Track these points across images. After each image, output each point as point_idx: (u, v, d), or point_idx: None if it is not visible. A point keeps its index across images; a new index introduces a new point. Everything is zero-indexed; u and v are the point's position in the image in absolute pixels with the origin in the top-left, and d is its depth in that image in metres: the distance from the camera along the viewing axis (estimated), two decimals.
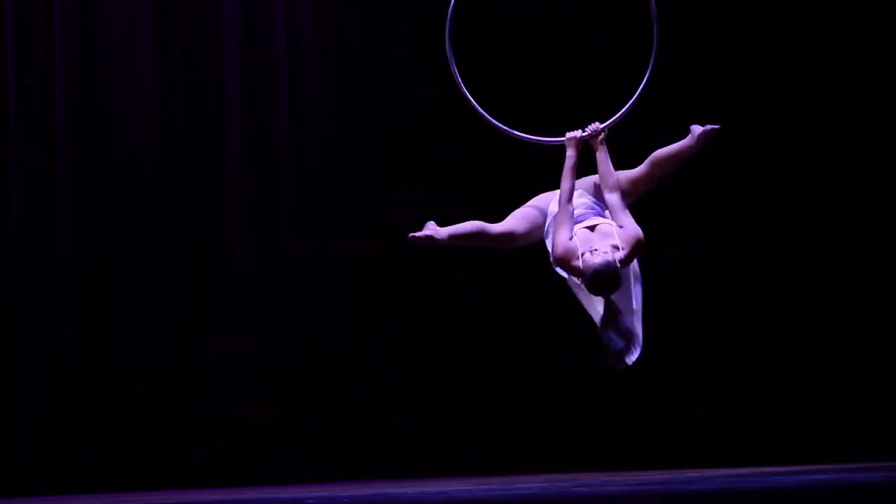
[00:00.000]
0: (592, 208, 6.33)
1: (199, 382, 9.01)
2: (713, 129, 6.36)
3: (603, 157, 6.38)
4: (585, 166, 6.44)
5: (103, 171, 8.86)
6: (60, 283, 8.65)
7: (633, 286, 6.20)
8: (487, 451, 9.85)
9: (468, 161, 9.82)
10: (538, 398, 9.94)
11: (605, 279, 6.00)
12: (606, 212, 6.31)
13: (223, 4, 9.21)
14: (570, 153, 6.35)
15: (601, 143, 6.40)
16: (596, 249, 6.05)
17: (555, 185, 6.37)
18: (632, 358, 6.06)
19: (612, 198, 6.28)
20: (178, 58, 9.09)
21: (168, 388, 8.95)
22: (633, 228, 6.16)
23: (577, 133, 6.42)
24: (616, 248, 6.09)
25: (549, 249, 6.28)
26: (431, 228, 6.45)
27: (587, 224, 6.21)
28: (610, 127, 6.44)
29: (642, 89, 6.50)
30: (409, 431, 9.68)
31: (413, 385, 9.76)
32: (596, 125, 6.44)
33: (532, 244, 6.53)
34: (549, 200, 6.46)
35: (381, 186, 9.60)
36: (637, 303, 6.20)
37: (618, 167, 6.40)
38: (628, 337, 6.03)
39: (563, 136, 6.44)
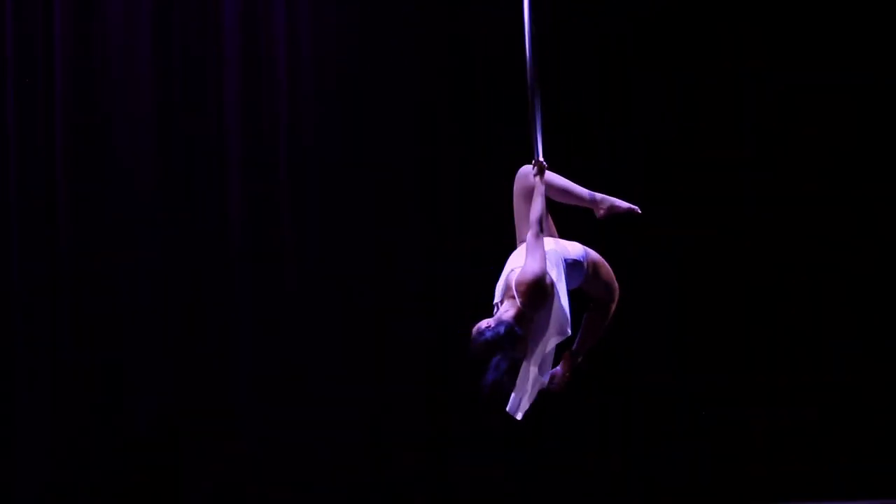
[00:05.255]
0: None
1: (202, 419, 8.90)
2: (631, 209, 6.23)
3: (536, 191, 6.13)
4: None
5: (103, 171, 8.83)
6: (62, 299, 8.69)
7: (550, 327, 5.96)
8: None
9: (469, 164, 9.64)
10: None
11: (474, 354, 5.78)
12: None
13: (223, 4, 9.16)
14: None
15: (535, 175, 6.18)
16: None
17: None
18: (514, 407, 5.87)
19: (529, 235, 5.96)
20: (179, 57, 9.04)
21: (170, 424, 8.87)
22: (523, 272, 5.84)
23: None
24: (513, 297, 5.83)
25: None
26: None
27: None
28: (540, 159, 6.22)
29: (534, 112, 6.28)
30: (415, 465, 9.47)
31: (418, 417, 9.53)
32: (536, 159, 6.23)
33: None
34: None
35: (382, 187, 9.51)
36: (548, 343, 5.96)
37: None
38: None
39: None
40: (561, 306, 5.94)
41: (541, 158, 6.18)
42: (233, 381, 8.99)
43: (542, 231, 5.97)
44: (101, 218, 8.82)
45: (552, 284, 5.90)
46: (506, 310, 5.82)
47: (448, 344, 9.24)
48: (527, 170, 6.29)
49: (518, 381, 5.88)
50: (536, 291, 5.80)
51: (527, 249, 5.91)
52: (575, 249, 6.16)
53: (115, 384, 8.75)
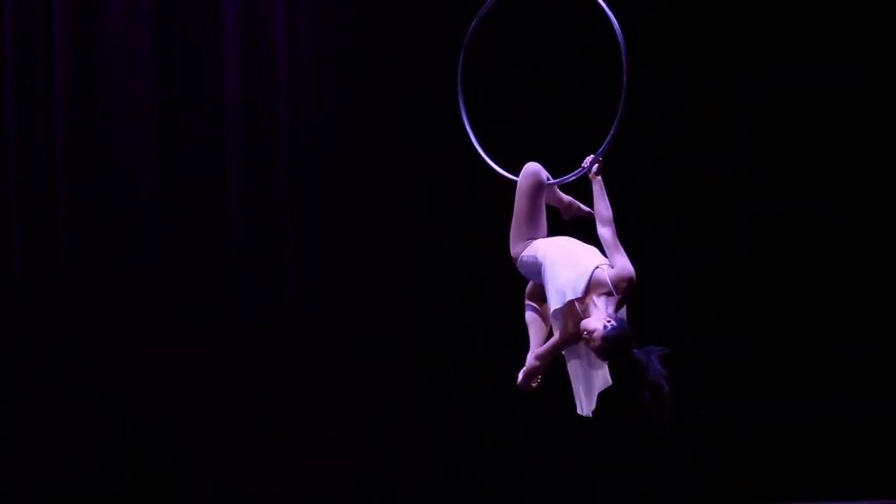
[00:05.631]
0: None
1: (202, 419, 8.88)
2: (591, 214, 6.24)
3: (597, 189, 6.10)
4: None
5: (103, 171, 8.83)
6: (62, 299, 8.70)
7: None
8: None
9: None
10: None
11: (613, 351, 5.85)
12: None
13: (223, 4, 9.16)
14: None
15: (595, 174, 6.15)
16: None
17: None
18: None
19: (606, 232, 6.00)
20: (179, 57, 9.04)
21: (170, 424, 8.86)
22: (623, 268, 5.90)
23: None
24: (609, 294, 5.91)
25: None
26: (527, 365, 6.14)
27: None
28: (602, 156, 6.17)
29: (622, 111, 6.27)
30: (415, 472, 9.43)
31: (419, 416, 9.50)
32: (590, 157, 6.19)
33: None
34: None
35: (382, 187, 9.50)
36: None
37: None
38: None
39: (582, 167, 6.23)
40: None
41: (600, 156, 6.20)
42: (233, 381, 9.00)
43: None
44: (101, 218, 8.82)
45: None
46: (606, 306, 5.89)
47: (448, 344, 9.28)
48: (535, 167, 6.30)
49: (574, 381, 6.03)
50: (634, 288, 5.92)
51: (608, 247, 5.96)
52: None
53: (114, 384, 8.75)
